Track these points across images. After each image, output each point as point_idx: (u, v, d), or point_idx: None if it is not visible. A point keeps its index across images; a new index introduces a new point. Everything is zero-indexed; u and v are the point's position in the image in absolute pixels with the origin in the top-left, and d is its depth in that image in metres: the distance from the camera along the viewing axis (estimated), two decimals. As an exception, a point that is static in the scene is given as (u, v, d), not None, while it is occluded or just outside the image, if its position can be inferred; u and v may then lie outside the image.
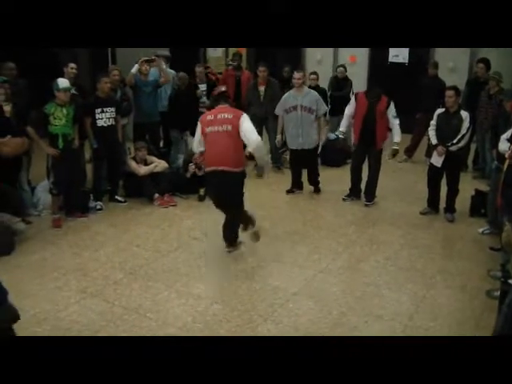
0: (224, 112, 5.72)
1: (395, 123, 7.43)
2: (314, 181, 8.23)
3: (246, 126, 5.64)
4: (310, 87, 8.58)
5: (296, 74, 7.88)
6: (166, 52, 9.26)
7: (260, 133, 9.31)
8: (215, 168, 5.71)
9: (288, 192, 8.33)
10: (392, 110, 7.40)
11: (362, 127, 7.53)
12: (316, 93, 8.02)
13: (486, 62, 9.03)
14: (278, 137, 8.30)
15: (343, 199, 7.94)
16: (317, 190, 8.26)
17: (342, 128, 7.89)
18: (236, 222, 6.09)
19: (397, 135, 7.49)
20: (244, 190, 5.98)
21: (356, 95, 7.76)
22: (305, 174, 8.34)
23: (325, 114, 8.06)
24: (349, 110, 7.70)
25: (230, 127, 5.61)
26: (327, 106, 8.31)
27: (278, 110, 8.10)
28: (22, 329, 4.61)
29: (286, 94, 8.10)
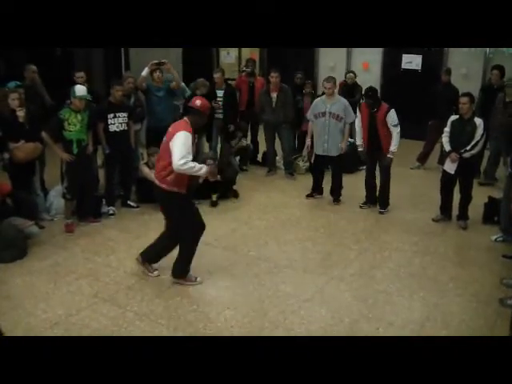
0: (174, 125, 5.34)
1: (394, 131, 7.33)
2: (335, 190, 8.17)
3: (176, 143, 5.09)
4: (323, 93, 8.56)
5: (326, 84, 7.89)
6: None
7: (273, 139, 9.37)
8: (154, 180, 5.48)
9: (308, 196, 8.35)
10: (391, 118, 7.30)
11: (367, 137, 7.55)
12: (345, 100, 8.03)
13: (501, 69, 8.98)
14: (308, 141, 8.34)
15: (360, 206, 7.92)
16: (336, 200, 8.16)
17: (358, 142, 7.77)
18: (180, 251, 5.61)
19: (393, 144, 7.36)
20: (187, 222, 5.50)
21: (360, 105, 7.74)
22: (326, 180, 8.35)
23: (352, 123, 7.98)
24: (357, 121, 7.71)
25: (169, 142, 5.19)
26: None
27: (309, 115, 8.14)
28: (34, 333, 4.66)
29: (316, 99, 8.18)
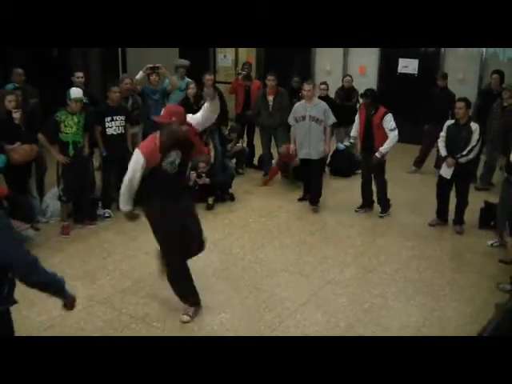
0: None
1: (390, 135, 7.29)
2: (313, 192, 8.08)
3: None
4: (320, 97, 8.57)
5: (306, 86, 7.83)
6: (185, 61, 9.31)
7: (269, 143, 9.37)
8: None
9: (300, 200, 8.34)
10: (388, 123, 7.28)
11: (363, 138, 7.60)
12: (325, 103, 7.98)
13: (501, 74, 9.01)
14: (292, 146, 8.25)
15: (356, 211, 7.91)
16: (313, 203, 8.03)
17: (353, 133, 7.89)
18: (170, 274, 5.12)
19: (385, 144, 7.30)
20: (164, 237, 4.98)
21: (360, 105, 7.76)
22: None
23: (333, 125, 8.00)
24: (357, 118, 7.75)
25: None
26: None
27: (290, 120, 8.11)
28: (29, 335, 4.62)
29: (296, 104, 8.10)
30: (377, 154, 7.40)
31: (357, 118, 7.76)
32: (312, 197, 8.10)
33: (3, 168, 6.54)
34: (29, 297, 5.29)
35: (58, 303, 5.21)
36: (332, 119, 7.85)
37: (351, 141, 8.09)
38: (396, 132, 7.32)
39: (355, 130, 7.80)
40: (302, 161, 8.15)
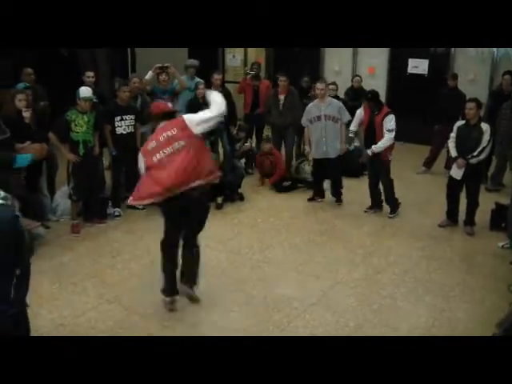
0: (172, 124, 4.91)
1: (386, 135, 7.28)
2: (336, 191, 8.22)
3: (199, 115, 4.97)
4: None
5: (319, 85, 7.92)
6: (195, 61, 9.32)
7: (279, 142, 9.36)
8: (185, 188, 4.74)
9: (309, 200, 8.37)
10: (388, 123, 7.27)
11: (365, 137, 7.64)
12: (338, 101, 8.10)
13: None
14: (307, 147, 8.29)
15: (365, 211, 7.88)
16: (339, 201, 8.22)
17: (352, 128, 7.90)
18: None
19: (379, 143, 7.32)
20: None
21: (364, 104, 7.73)
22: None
23: (348, 123, 8.02)
24: (359, 113, 7.73)
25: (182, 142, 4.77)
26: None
27: (304, 121, 8.12)
28: (40, 333, 4.65)
29: (309, 105, 8.13)
30: (368, 151, 7.47)
31: (358, 112, 7.73)
32: (335, 193, 8.24)
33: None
34: (39, 294, 5.34)
35: (69, 302, 5.27)
36: (347, 116, 7.95)
37: (350, 135, 8.09)
38: (392, 135, 7.33)
39: (355, 124, 7.82)
40: (316, 161, 8.18)
